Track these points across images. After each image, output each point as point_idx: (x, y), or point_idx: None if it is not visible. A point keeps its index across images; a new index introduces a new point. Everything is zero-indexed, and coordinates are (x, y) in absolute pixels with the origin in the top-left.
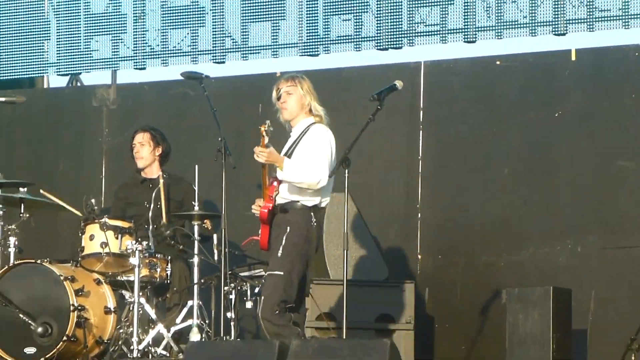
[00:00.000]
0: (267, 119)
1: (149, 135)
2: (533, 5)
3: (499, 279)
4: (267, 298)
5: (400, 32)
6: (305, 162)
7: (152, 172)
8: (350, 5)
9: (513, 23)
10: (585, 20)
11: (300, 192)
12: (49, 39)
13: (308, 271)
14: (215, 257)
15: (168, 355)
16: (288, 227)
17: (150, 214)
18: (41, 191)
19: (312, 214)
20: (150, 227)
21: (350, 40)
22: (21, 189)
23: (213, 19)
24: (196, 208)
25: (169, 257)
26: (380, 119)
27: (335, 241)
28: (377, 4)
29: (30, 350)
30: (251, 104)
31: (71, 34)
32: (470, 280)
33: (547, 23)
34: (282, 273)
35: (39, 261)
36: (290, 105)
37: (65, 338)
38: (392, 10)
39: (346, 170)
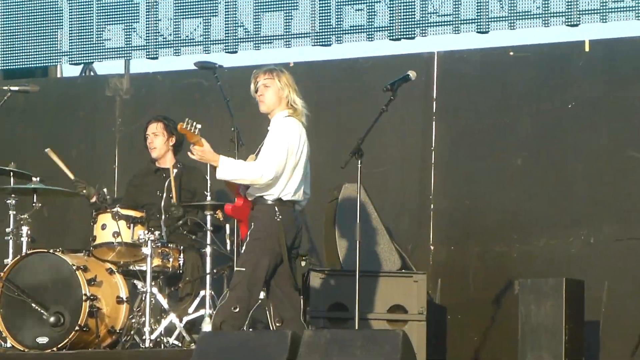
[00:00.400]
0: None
1: (162, 125)
2: None
3: (512, 269)
4: (230, 295)
5: (413, 22)
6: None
7: (166, 162)
8: None
9: (526, 13)
10: (598, 11)
11: (261, 187)
12: (62, 28)
13: (293, 264)
14: (228, 247)
15: (180, 345)
16: (252, 224)
17: (162, 203)
18: (47, 150)
19: (275, 208)
20: (163, 216)
21: (363, 30)
22: (34, 179)
23: (226, 8)
24: (208, 198)
25: (182, 247)
26: (393, 109)
27: (348, 232)
28: None
29: (42, 339)
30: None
31: (84, 23)
32: (483, 271)
33: (560, 14)
34: (243, 269)
35: (51, 251)
36: (267, 98)
37: (77, 328)
38: (405, 0)
39: (359, 161)
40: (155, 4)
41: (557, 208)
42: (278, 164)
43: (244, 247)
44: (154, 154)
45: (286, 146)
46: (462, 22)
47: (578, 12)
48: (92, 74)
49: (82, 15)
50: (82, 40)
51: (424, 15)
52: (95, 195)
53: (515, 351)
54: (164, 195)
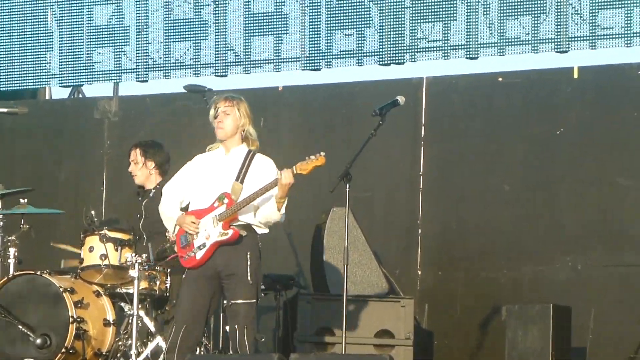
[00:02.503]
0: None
1: (139, 151)
2: (535, 22)
3: (499, 295)
4: (244, 329)
5: (402, 48)
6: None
7: (150, 185)
8: (353, 20)
9: (515, 40)
10: (588, 38)
11: (253, 218)
12: (52, 50)
13: None
14: None
15: None
16: (248, 252)
17: (140, 224)
18: (52, 244)
19: (258, 238)
20: (144, 236)
21: (352, 55)
22: (22, 200)
23: (216, 32)
24: None
25: (169, 270)
26: (381, 134)
27: (336, 256)
28: (379, 19)
29: None
30: (254, 118)
31: (74, 46)
32: (470, 296)
33: (550, 40)
34: (254, 301)
35: (38, 272)
36: (226, 125)
37: (64, 350)
38: (394, 26)
39: (347, 185)
40: (145, 27)
41: (545, 234)
42: None
43: (249, 277)
44: (135, 180)
45: None
46: (451, 47)
47: (567, 39)
48: (80, 96)
49: (72, 38)
50: (72, 62)
51: (413, 41)
52: (83, 217)
53: None
54: (142, 217)
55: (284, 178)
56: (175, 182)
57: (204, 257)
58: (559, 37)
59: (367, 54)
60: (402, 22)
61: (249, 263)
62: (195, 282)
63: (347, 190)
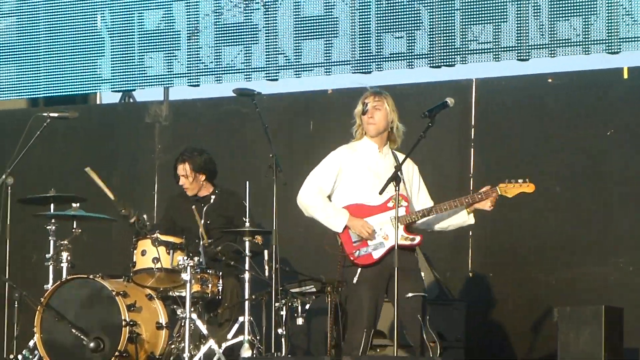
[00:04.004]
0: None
1: (188, 167)
2: (586, 23)
3: (551, 296)
4: (427, 320)
5: (453, 50)
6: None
7: (203, 192)
8: (403, 23)
9: (566, 41)
10: (639, 39)
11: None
12: (103, 56)
13: None
14: (266, 273)
15: None
16: (416, 253)
17: (200, 229)
18: (87, 169)
19: None
20: (201, 242)
21: (402, 58)
22: (74, 205)
23: (266, 36)
24: (247, 224)
25: (220, 273)
26: (431, 136)
27: None
28: (429, 22)
29: None
30: (303, 121)
31: (125, 51)
32: (522, 298)
33: (601, 41)
34: (427, 295)
35: (91, 276)
36: (378, 120)
37: (117, 353)
38: (445, 28)
39: (397, 187)
40: (196, 31)
41: (596, 235)
42: None
43: (422, 273)
44: (189, 193)
45: None
46: (502, 49)
47: (618, 40)
48: (131, 100)
49: (124, 43)
50: (123, 67)
51: (464, 43)
52: (135, 217)
53: None
54: (202, 221)
55: (488, 207)
56: (326, 173)
57: (381, 256)
58: (609, 37)
59: (418, 56)
60: (453, 24)
61: (418, 260)
62: (373, 283)
63: (397, 192)
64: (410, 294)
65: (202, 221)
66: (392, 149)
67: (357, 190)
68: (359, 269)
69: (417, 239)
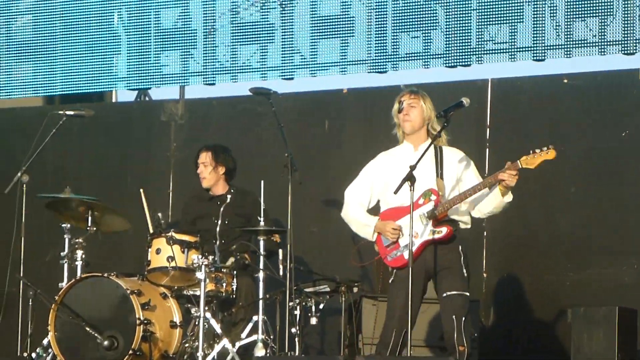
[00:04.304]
0: None
1: (210, 155)
2: (603, 24)
3: (564, 297)
4: (467, 321)
5: (469, 50)
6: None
7: (219, 190)
8: (419, 23)
9: (582, 42)
10: None
11: (461, 213)
12: (120, 54)
13: None
14: (281, 273)
15: None
16: (460, 247)
17: (217, 229)
18: (141, 191)
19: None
20: (217, 242)
21: (418, 58)
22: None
23: (282, 35)
24: (262, 223)
25: (235, 272)
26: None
27: None
28: (446, 22)
29: None
30: (318, 120)
31: (141, 49)
32: (535, 299)
33: (617, 42)
34: (468, 294)
35: (105, 275)
36: (413, 117)
37: (131, 352)
38: (461, 28)
39: (412, 187)
40: (212, 30)
41: (610, 236)
42: None
43: (464, 271)
44: (204, 183)
45: None
46: (518, 49)
47: (635, 41)
48: (147, 99)
49: (140, 41)
50: (139, 66)
51: (480, 43)
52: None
53: None
54: (219, 221)
55: (510, 181)
56: (360, 186)
57: (414, 255)
58: (626, 39)
59: (434, 56)
60: (469, 24)
61: (462, 257)
62: (406, 283)
63: (412, 192)
64: (446, 293)
65: (220, 221)
66: (437, 145)
67: (388, 195)
68: (395, 270)
69: (444, 231)
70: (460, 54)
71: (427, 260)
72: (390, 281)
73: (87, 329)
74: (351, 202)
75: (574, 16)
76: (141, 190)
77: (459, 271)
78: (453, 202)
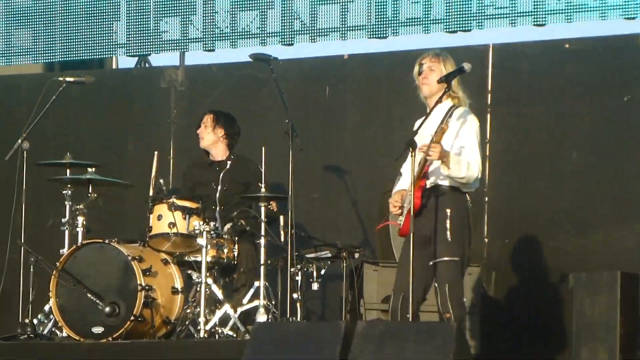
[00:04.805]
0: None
1: (211, 117)
2: None
3: (566, 263)
4: (452, 287)
5: (469, 15)
6: (464, 155)
7: (219, 155)
8: None
9: (582, 6)
10: None
11: (442, 176)
12: (119, 20)
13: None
14: (282, 239)
15: (234, 335)
16: (448, 210)
17: (217, 195)
18: (156, 153)
19: (467, 197)
20: (218, 208)
21: (419, 23)
22: (89, 169)
23: (282, 1)
24: (262, 190)
25: (236, 238)
26: None
27: None
28: None
29: (97, 329)
30: (319, 86)
31: (140, 15)
32: (537, 265)
33: (617, 6)
34: (457, 259)
35: (106, 241)
36: (431, 81)
37: (132, 318)
38: None
39: (413, 154)
40: None
41: (613, 202)
42: (480, 162)
43: (449, 236)
44: (201, 144)
45: (479, 141)
46: (518, 14)
47: (635, 5)
48: (147, 65)
49: (139, 8)
50: (138, 32)
51: (480, 8)
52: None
53: (570, 345)
54: (219, 187)
55: (430, 156)
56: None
57: (405, 224)
58: (626, 3)
59: (434, 21)
60: None
61: (448, 221)
62: (405, 250)
63: (413, 158)
64: (432, 262)
65: (219, 187)
66: (455, 104)
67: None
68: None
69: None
70: (461, 19)
71: (420, 228)
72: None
73: (89, 295)
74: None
75: None
76: (156, 152)
77: (443, 237)
78: (416, 173)
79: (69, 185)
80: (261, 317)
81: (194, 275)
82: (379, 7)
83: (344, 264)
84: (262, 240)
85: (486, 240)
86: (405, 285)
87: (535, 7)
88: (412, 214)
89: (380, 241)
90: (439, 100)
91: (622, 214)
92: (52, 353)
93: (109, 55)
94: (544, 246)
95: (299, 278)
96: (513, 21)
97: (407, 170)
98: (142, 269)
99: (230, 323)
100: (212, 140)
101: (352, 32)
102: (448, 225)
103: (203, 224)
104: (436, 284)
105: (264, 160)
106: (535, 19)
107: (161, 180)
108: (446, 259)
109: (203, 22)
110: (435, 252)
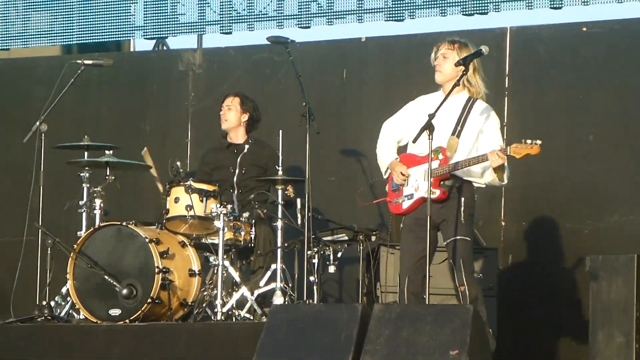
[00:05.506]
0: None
1: (238, 100)
2: None
3: (583, 246)
4: (466, 262)
5: None
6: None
7: (238, 138)
8: None
9: None
10: None
11: (474, 174)
12: (137, 3)
13: None
14: (299, 222)
15: (251, 318)
16: (463, 199)
17: (234, 178)
18: (144, 151)
19: (475, 189)
20: (235, 191)
21: (436, 6)
22: (107, 152)
23: None
24: (279, 173)
25: (253, 221)
26: None
27: None
28: None
29: (115, 312)
30: (335, 69)
31: None
32: (554, 247)
33: None
34: (469, 239)
35: (124, 223)
36: (445, 69)
37: (149, 300)
38: None
39: (430, 136)
40: None
41: (629, 184)
42: None
43: (462, 218)
44: (224, 125)
45: None
46: None
47: None
48: (164, 48)
49: None
50: (156, 15)
51: None
52: (168, 168)
53: (586, 328)
54: (237, 170)
55: (493, 162)
56: (395, 121)
57: (409, 207)
58: None
59: (451, 4)
60: None
61: (462, 209)
62: (412, 228)
63: (431, 141)
64: (446, 242)
65: (237, 170)
66: (472, 97)
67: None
68: (404, 217)
69: (437, 193)
70: (478, 1)
71: (423, 214)
72: (401, 229)
73: (106, 277)
74: (382, 135)
75: None
76: (145, 148)
77: (458, 220)
78: (450, 168)
79: (86, 168)
80: (278, 299)
81: (211, 258)
82: None
83: (361, 247)
84: (279, 223)
85: (503, 223)
86: (411, 267)
87: None
88: (429, 200)
89: (396, 224)
90: (456, 84)
91: (638, 196)
92: (69, 335)
93: (126, 38)
94: (561, 228)
95: (315, 261)
96: (530, 4)
97: (418, 146)
98: (159, 252)
99: (247, 305)
100: (235, 122)
101: (368, 14)
102: (462, 211)
103: (220, 207)
104: (451, 261)
105: (281, 143)
106: (552, 2)
107: (178, 163)
108: (460, 237)
109: (220, 5)
110: (449, 233)
